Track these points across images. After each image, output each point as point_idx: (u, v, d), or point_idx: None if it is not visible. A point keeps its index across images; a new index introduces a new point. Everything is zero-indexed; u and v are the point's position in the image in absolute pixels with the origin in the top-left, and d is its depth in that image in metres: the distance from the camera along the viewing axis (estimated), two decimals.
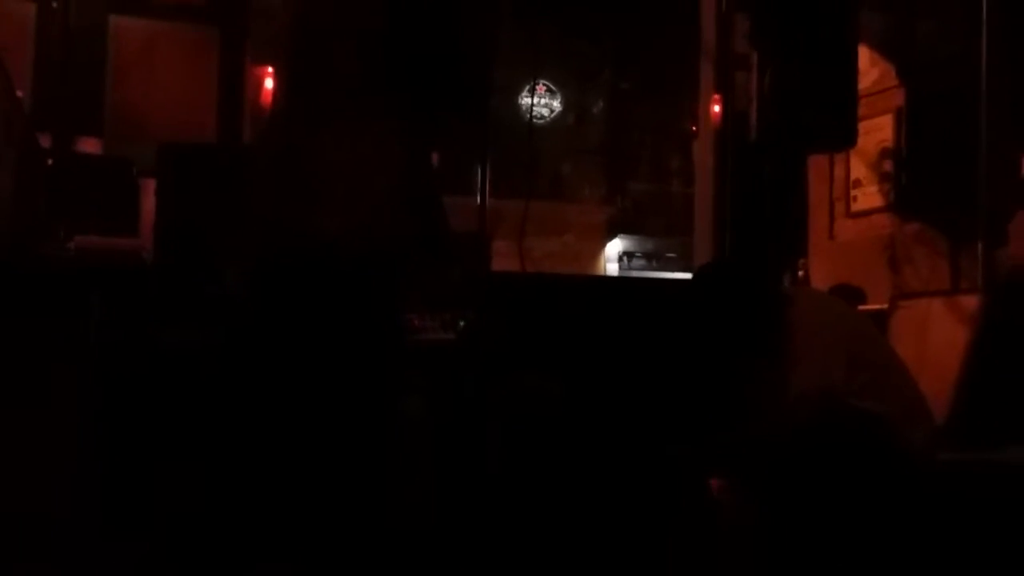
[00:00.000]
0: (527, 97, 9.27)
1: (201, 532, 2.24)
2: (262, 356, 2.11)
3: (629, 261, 11.58)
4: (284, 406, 2.07)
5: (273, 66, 2.27)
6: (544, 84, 11.00)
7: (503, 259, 3.95)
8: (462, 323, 2.82)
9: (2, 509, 2.28)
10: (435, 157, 2.56)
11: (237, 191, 2.53)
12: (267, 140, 2.30)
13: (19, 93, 2.75)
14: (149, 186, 3.11)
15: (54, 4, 4.86)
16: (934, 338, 3.24)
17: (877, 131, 5.08)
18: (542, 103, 11.01)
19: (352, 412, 2.08)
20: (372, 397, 2.11)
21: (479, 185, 3.73)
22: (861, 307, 3.89)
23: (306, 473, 2.04)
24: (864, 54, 4.65)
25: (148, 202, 3.09)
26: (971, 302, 3.33)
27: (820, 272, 5.09)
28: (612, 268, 11.52)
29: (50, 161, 3.17)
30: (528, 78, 8.53)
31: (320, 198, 2.06)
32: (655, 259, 11.41)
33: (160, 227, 2.92)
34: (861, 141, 4.26)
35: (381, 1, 2.08)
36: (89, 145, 4.01)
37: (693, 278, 2.87)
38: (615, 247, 11.66)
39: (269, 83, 4.15)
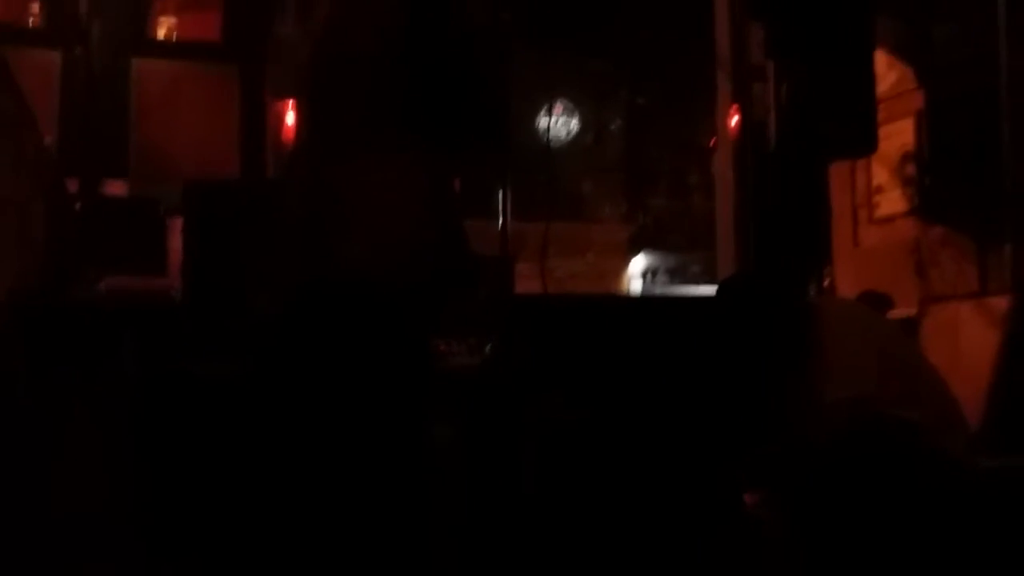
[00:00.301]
0: (545, 118, 9.30)
1: (237, 563, 2.25)
2: (295, 388, 2.12)
3: (653, 277, 11.52)
4: (317, 436, 2.08)
5: (294, 100, 2.30)
6: (561, 104, 11.02)
7: (527, 281, 3.96)
8: (488, 347, 2.82)
9: (42, 544, 2.31)
10: (456, 182, 2.57)
11: (263, 226, 2.55)
12: (291, 174, 2.32)
13: (47, 138, 2.80)
14: (176, 225, 3.15)
15: (78, 50, 4.96)
16: (965, 342, 3.21)
17: (898, 135, 5.05)
18: (560, 123, 11.03)
19: (383, 440, 2.08)
20: (403, 425, 2.11)
21: (501, 208, 3.74)
22: (889, 313, 3.86)
23: (339, 502, 2.05)
24: (881, 58, 4.63)
25: (175, 241, 3.13)
26: (1001, 304, 3.30)
27: (846, 279, 5.05)
28: (636, 285, 11.47)
29: (78, 205, 3.22)
30: (545, 99, 8.56)
31: (345, 229, 2.07)
32: (679, 274, 11.35)
33: (188, 265, 2.95)
34: (882, 146, 4.25)
35: (398, 30, 2.10)
36: (115, 187, 4.07)
37: (718, 291, 2.86)
38: (638, 264, 11.61)
39: (290, 118, 4.20)
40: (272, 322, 2.23)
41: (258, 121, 4.67)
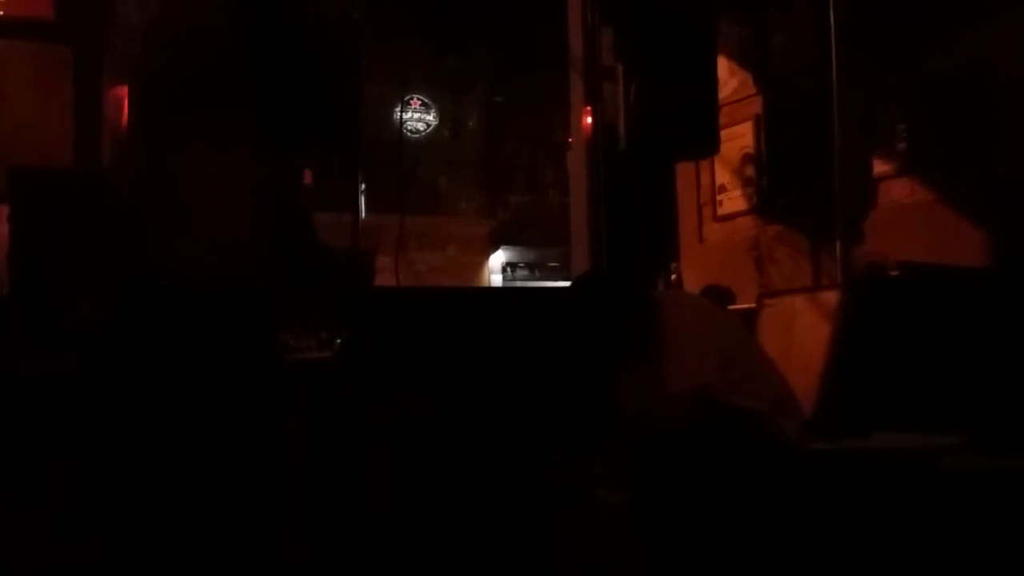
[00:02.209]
0: (401, 112, 9.27)
1: (71, 566, 2.15)
2: (127, 385, 2.04)
3: (512, 272, 11.68)
4: (155, 433, 2.01)
5: (131, 88, 2.20)
6: (418, 99, 10.99)
7: (387, 274, 3.91)
8: (339, 341, 2.78)
9: None
10: (308, 175, 2.53)
11: (94, 216, 2.43)
12: (126, 164, 2.23)
13: None
14: (1, 213, 2.96)
15: None
16: (799, 333, 3.38)
17: (739, 138, 5.27)
18: (417, 118, 10.99)
19: (226, 435, 2.03)
20: (246, 418, 2.06)
21: (353, 201, 3.71)
22: (731, 307, 4.02)
23: (181, 500, 1.99)
24: (723, 64, 4.82)
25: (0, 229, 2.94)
26: (832, 298, 3.48)
27: (691, 274, 5.24)
28: (496, 279, 11.59)
29: None
30: (402, 94, 8.52)
31: (183, 221, 2.01)
32: (537, 269, 11.55)
33: (13, 256, 2.79)
34: (724, 148, 4.42)
35: (244, 22, 2.05)
36: None
37: (570, 287, 2.92)
38: (498, 259, 11.73)
39: (128, 106, 4.02)
40: (102, 318, 2.14)
41: (93, 107, 4.43)
